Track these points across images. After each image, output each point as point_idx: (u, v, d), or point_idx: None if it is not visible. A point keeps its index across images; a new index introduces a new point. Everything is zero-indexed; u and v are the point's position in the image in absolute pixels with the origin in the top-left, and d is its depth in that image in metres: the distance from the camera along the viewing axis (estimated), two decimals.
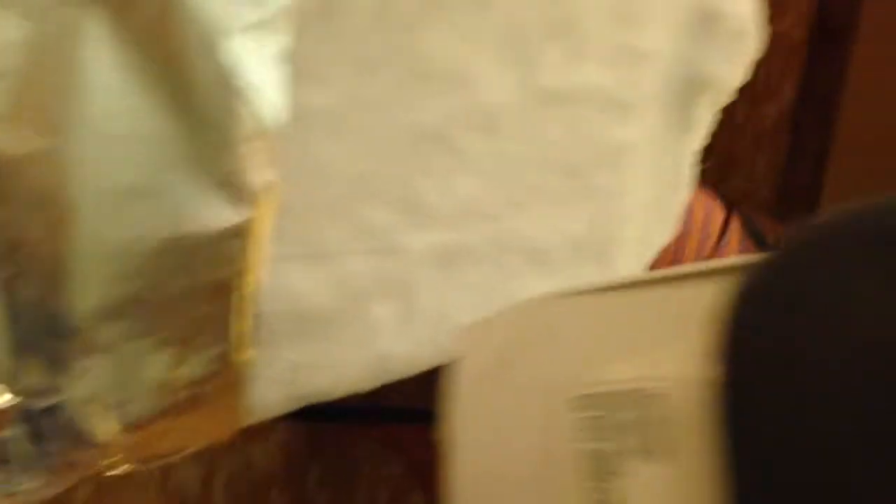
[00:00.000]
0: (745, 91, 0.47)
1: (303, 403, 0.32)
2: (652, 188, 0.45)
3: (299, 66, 0.26)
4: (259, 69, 0.24)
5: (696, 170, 0.48)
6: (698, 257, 1.22)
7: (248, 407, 0.29)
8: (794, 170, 1.99)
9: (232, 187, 0.25)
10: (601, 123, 0.40)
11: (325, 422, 0.72)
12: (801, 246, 0.19)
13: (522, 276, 0.39)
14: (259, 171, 0.25)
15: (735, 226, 1.34)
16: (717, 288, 0.18)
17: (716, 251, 1.28)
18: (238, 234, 0.25)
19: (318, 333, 0.31)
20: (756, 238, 1.32)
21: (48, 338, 0.23)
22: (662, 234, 0.47)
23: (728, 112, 0.48)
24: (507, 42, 0.34)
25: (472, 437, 0.24)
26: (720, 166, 1.98)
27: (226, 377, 0.28)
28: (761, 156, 1.81)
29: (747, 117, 1.66)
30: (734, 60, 0.45)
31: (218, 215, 0.24)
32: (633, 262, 0.44)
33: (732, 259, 0.20)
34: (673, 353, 0.19)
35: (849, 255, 0.18)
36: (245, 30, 0.24)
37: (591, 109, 0.39)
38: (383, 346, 0.33)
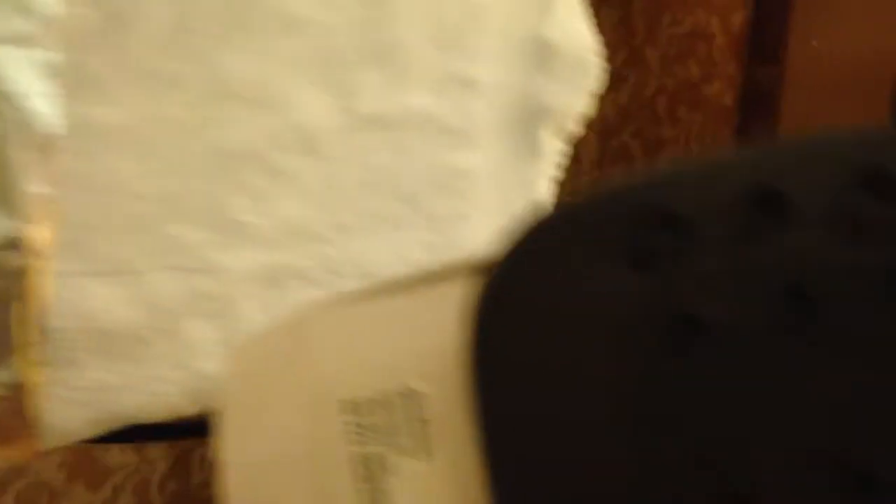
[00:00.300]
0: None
1: (113, 426, 0.31)
2: (500, 216, 0.46)
3: (86, 81, 0.27)
4: (26, 80, 0.25)
5: None
6: None
7: (47, 429, 0.29)
8: None
9: (3, 199, 0.25)
10: (432, 150, 0.41)
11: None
12: (529, 239, 0.20)
13: None
14: (34, 184, 0.25)
15: None
16: (466, 286, 0.20)
17: None
18: (14, 247, 0.25)
19: (124, 353, 0.31)
20: None
21: None
22: None
23: None
24: (320, 66, 0.35)
25: (242, 454, 0.23)
26: None
27: (14, 398, 0.27)
28: None
29: None
30: (573, 90, 0.47)
31: None
32: None
33: (483, 256, 0.21)
34: (429, 353, 0.20)
35: (571, 242, 0.19)
36: (10, 40, 0.24)
37: (420, 135, 0.40)
38: (202, 366, 0.33)
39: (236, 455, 0.22)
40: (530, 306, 0.19)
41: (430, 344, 0.20)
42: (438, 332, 0.20)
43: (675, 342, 0.17)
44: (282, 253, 0.35)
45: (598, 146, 1.86)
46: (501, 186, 0.45)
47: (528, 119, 0.46)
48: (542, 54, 0.46)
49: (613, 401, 0.17)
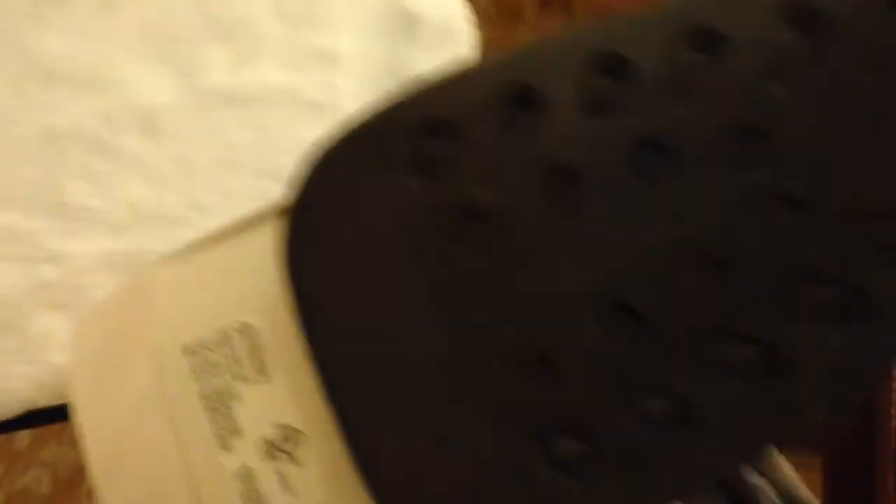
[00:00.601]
0: None
1: None
2: None
3: None
4: None
5: None
6: None
7: None
8: None
9: None
10: (297, 126, 0.40)
11: None
12: (320, 165, 0.22)
13: None
14: None
15: None
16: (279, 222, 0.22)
17: None
18: None
19: None
20: None
21: None
22: None
23: None
24: (153, 43, 0.34)
25: (97, 420, 0.23)
26: None
27: None
28: None
29: None
30: (443, 60, 0.47)
31: None
32: None
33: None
34: (256, 289, 0.22)
35: (356, 160, 0.21)
36: None
37: (282, 112, 0.39)
38: (53, 359, 0.32)
39: (92, 422, 0.22)
40: (330, 228, 0.21)
41: (257, 280, 0.22)
42: (262, 268, 0.22)
43: (461, 231, 0.19)
44: (133, 237, 0.34)
45: None
46: None
47: (397, 87, 0.46)
48: (408, 25, 0.46)
49: (421, 292, 0.19)
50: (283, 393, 0.20)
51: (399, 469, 0.19)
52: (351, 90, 0.43)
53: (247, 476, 0.20)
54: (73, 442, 0.23)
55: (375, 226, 0.20)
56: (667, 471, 0.17)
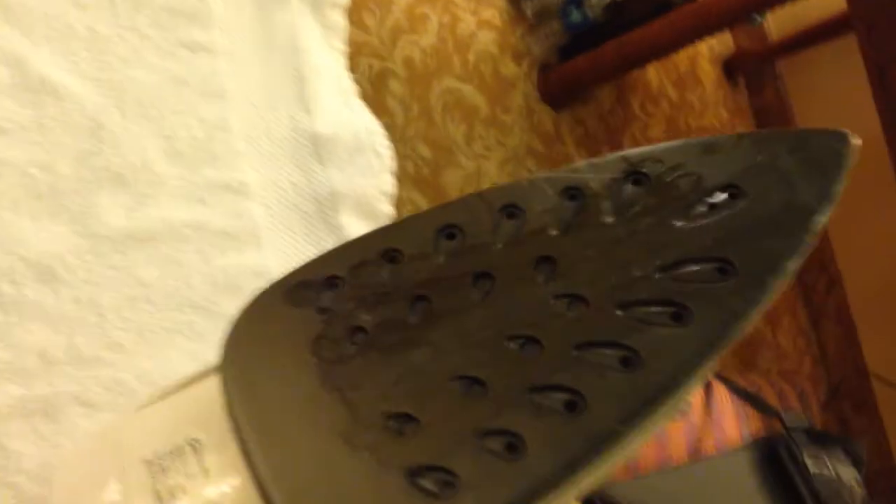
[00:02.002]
0: None
1: None
2: None
3: None
4: None
5: None
6: (691, 435, 1.19)
7: None
8: None
9: None
10: (212, 256, 0.41)
11: None
12: (245, 312, 0.30)
13: None
14: None
15: (719, 388, 1.32)
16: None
17: (707, 417, 1.25)
18: None
19: None
20: (742, 395, 1.29)
21: None
22: None
23: None
24: (37, 200, 0.36)
25: None
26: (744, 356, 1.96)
27: None
28: None
29: None
30: (361, 172, 0.48)
31: None
32: None
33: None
34: (199, 413, 0.29)
35: (279, 303, 0.30)
36: None
37: (193, 245, 0.41)
38: None
39: None
40: (257, 351, 0.29)
41: (202, 408, 0.29)
42: (206, 399, 0.29)
43: (352, 339, 0.28)
44: (43, 383, 0.35)
45: None
46: None
47: (321, 210, 0.47)
48: (319, 147, 0.47)
49: (322, 383, 0.27)
50: (219, 483, 0.26)
51: None
52: (266, 215, 0.44)
53: None
54: None
55: (289, 346, 0.28)
56: (505, 486, 0.23)
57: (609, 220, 0.28)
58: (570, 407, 0.25)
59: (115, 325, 0.37)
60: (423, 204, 1.54)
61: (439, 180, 1.58)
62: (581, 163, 0.30)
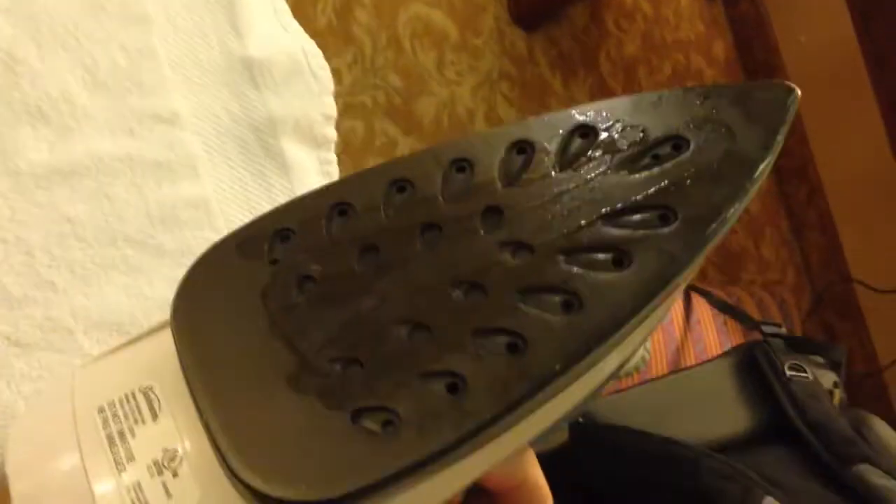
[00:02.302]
0: None
1: None
2: None
3: None
4: None
5: None
6: (671, 348, 1.19)
7: None
8: None
9: None
10: (144, 188, 0.40)
11: None
12: (202, 258, 0.31)
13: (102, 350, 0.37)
14: None
15: (699, 301, 1.32)
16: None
17: (688, 331, 1.25)
18: None
19: None
20: (721, 308, 1.30)
21: None
22: None
23: None
24: None
25: (25, 472, 0.28)
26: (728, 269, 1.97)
27: None
28: None
29: None
30: (298, 96, 0.47)
31: None
32: None
33: None
34: (150, 359, 0.30)
35: (231, 255, 0.30)
36: None
37: (123, 178, 0.39)
38: None
39: (20, 474, 0.28)
40: (206, 300, 0.29)
41: (155, 358, 0.29)
42: (158, 350, 0.30)
43: (300, 288, 0.28)
44: None
45: None
46: (254, 206, 0.44)
47: (259, 137, 0.45)
48: (254, 72, 0.46)
49: (269, 328, 0.28)
50: (169, 426, 0.27)
51: (258, 453, 0.24)
52: (201, 144, 0.43)
53: (137, 489, 0.25)
54: None
55: (240, 295, 0.29)
56: (446, 424, 0.24)
57: (555, 172, 0.29)
58: (512, 349, 0.25)
59: (43, 263, 0.37)
60: (397, 135, 1.52)
61: (412, 109, 1.56)
62: (530, 119, 0.31)
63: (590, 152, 0.29)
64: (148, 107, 0.41)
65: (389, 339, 0.26)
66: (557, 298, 0.26)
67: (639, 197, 0.28)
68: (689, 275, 0.27)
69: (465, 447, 0.24)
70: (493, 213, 0.29)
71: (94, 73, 0.40)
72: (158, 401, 0.28)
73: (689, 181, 0.28)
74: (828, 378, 1.06)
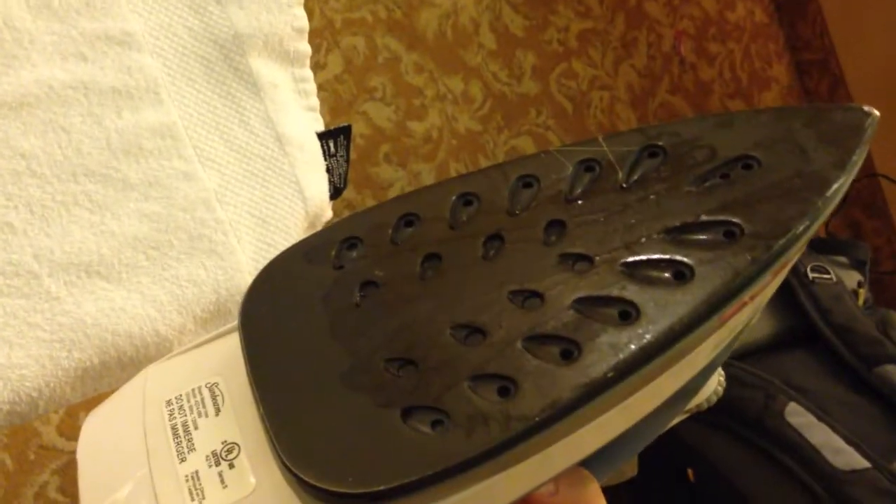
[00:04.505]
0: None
1: None
2: (238, 162, 0.42)
3: None
4: None
5: None
6: None
7: None
8: None
9: None
10: (103, 117, 0.37)
11: None
12: (269, 268, 0.33)
13: (78, 293, 0.35)
14: None
15: None
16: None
17: None
18: None
19: None
20: None
21: None
22: (292, 200, 0.43)
23: None
24: None
25: (94, 457, 0.30)
26: None
27: None
28: None
29: None
30: (264, 8, 0.43)
31: None
32: (251, 243, 0.41)
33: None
34: (224, 359, 0.32)
35: (298, 261, 0.32)
36: None
37: (79, 107, 0.37)
38: None
39: (89, 458, 0.30)
40: (273, 303, 0.31)
41: (222, 356, 0.32)
42: (225, 349, 0.32)
43: (363, 292, 0.30)
44: None
45: (636, 117, 1.80)
46: (224, 132, 0.41)
47: (225, 55, 0.42)
48: None
49: (329, 330, 0.29)
50: (230, 420, 0.29)
51: (310, 448, 0.25)
52: (162, 67, 0.40)
53: (195, 477, 0.27)
54: None
55: (304, 299, 0.30)
56: (494, 426, 0.24)
57: (621, 188, 0.29)
58: (566, 355, 0.25)
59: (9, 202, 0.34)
60: (400, 50, 1.47)
61: (414, 22, 1.50)
62: (599, 137, 0.31)
63: (658, 170, 0.29)
64: (99, 28, 0.38)
65: (444, 341, 0.27)
66: (616, 310, 0.26)
67: (704, 213, 0.27)
68: (756, 293, 0.27)
69: (512, 451, 0.24)
70: (556, 225, 0.29)
71: None
72: (222, 396, 0.30)
73: (757, 198, 0.27)
74: (852, 277, 1.03)
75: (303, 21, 0.45)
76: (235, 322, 0.31)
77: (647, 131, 0.30)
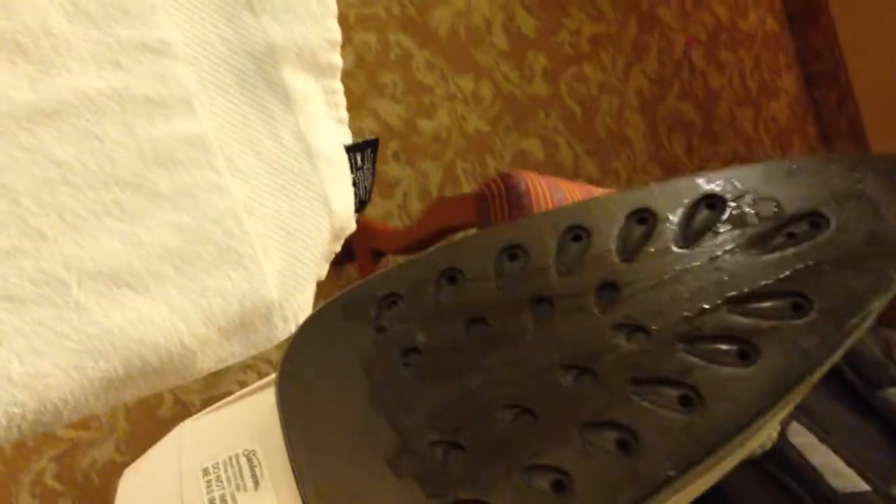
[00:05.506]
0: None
1: None
2: (268, 172, 0.42)
3: None
4: None
5: None
6: None
7: None
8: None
9: None
10: (137, 127, 0.37)
11: None
12: (306, 328, 0.32)
13: (106, 303, 0.35)
14: None
15: None
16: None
17: None
18: None
19: None
20: None
21: None
22: (319, 214, 0.43)
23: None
24: None
25: None
26: None
27: None
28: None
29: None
30: (298, 20, 0.43)
31: None
32: (277, 255, 0.41)
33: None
34: (255, 425, 0.31)
35: (335, 320, 0.31)
36: None
37: (112, 116, 0.37)
38: None
39: None
40: (310, 369, 0.29)
41: (259, 421, 0.30)
42: (263, 412, 0.30)
43: (406, 359, 0.28)
44: None
45: (644, 122, 1.80)
46: (255, 144, 0.41)
47: (259, 67, 0.42)
48: None
49: (372, 402, 0.27)
50: (270, 497, 0.27)
51: None
52: (195, 77, 0.40)
53: None
54: None
55: (344, 363, 0.29)
56: None
57: (678, 246, 0.27)
58: (623, 446, 0.24)
59: (31, 210, 0.34)
60: (412, 47, 1.47)
61: (427, 20, 1.50)
62: (653, 185, 0.28)
63: (716, 226, 0.27)
64: (135, 36, 0.38)
65: (493, 423, 0.25)
66: (675, 392, 0.24)
67: (770, 281, 0.25)
68: (823, 371, 0.25)
69: None
70: (609, 289, 0.27)
71: (74, 1, 0.36)
72: (260, 467, 0.28)
73: (826, 266, 0.25)
74: None
75: (336, 33, 0.45)
76: (270, 377, 0.30)
77: (705, 179, 0.28)
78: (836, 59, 2.02)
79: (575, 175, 1.65)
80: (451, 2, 1.53)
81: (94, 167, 0.36)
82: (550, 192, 0.88)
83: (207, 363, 0.38)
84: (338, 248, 0.46)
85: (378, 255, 1.23)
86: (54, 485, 1.03)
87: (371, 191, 0.48)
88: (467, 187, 1.47)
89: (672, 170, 1.82)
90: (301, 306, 0.42)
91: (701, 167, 1.87)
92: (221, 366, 0.38)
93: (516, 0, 1.63)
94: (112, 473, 1.08)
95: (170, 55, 0.39)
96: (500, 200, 0.87)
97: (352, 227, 0.46)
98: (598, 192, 0.91)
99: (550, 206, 0.88)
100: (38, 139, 0.35)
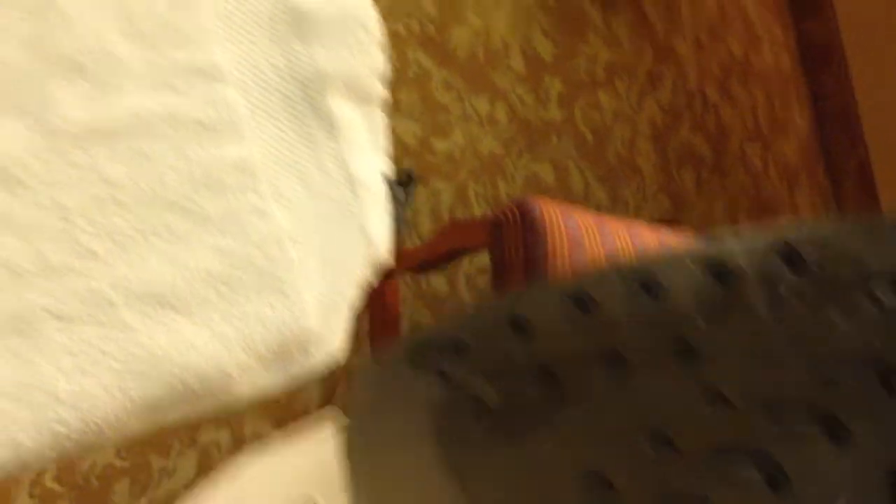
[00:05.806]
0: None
1: None
2: (312, 198, 0.42)
3: None
4: None
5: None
6: None
7: None
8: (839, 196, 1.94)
9: None
10: (187, 150, 0.38)
11: None
12: (367, 378, 0.30)
13: (151, 324, 0.35)
14: None
15: None
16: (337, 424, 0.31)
17: None
18: None
19: None
20: None
21: None
22: (358, 243, 0.43)
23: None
24: None
25: None
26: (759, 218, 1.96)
27: None
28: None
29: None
30: (347, 49, 0.44)
31: None
32: (316, 283, 0.41)
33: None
34: (317, 472, 0.31)
35: (399, 368, 0.29)
36: None
37: (159, 138, 0.37)
38: None
39: None
40: (374, 420, 0.29)
41: (319, 465, 0.31)
42: (322, 455, 0.32)
43: (465, 424, 0.27)
44: (12, 297, 0.32)
45: (656, 152, 1.81)
46: (300, 170, 0.42)
47: (306, 93, 0.42)
48: (301, 23, 0.43)
49: (443, 464, 0.26)
50: None
51: None
52: (245, 101, 0.40)
53: None
54: None
55: (410, 414, 0.28)
56: None
57: (759, 308, 0.26)
58: None
59: (83, 229, 0.34)
60: (431, 66, 1.47)
61: (446, 39, 1.51)
62: (728, 236, 0.27)
63: (799, 288, 0.26)
64: (189, 59, 0.38)
65: (568, 493, 0.24)
66: (760, 472, 0.23)
67: (857, 352, 0.24)
68: None
69: None
70: (688, 350, 0.25)
71: (132, 21, 0.37)
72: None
73: None
74: None
75: (380, 62, 0.45)
76: (327, 421, 0.30)
77: (786, 237, 0.27)
78: (848, 101, 2.03)
79: (585, 201, 1.65)
80: (470, 22, 1.54)
81: (144, 188, 0.36)
82: (564, 219, 0.88)
83: (244, 390, 0.38)
84: (371, 276, 0.46)
85: (386, 274, 1.23)
86: (53, 486, 1.03)
87: (403, 221, 0.48)
88: (478, 210, 1.48)
89: (681, 202, 1.83)
90: (335, 333, 0.42)
91: (710, 202, 1.88)
92: (257, 393, 0.39)
93: (535, 24, 1.64)
94: (111, 477, 1.08)
95: (221, 79, 0.39)
96: (514, 227, 0.88)
97: (387, 257, 0.46)
98: (610, 222, 0.92)
99: (564, 234, 0.89)
100: (92, 157, 0.35)
